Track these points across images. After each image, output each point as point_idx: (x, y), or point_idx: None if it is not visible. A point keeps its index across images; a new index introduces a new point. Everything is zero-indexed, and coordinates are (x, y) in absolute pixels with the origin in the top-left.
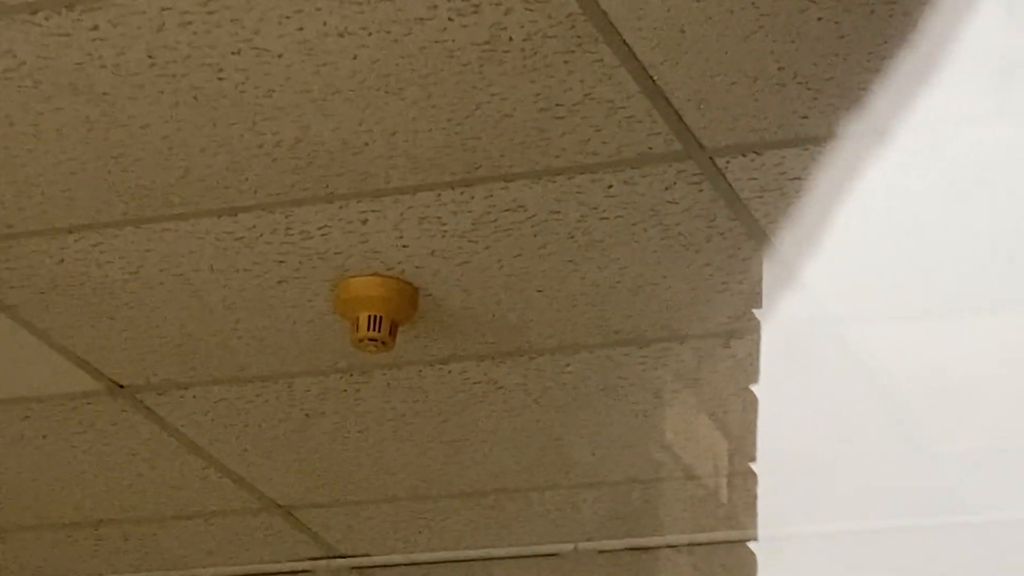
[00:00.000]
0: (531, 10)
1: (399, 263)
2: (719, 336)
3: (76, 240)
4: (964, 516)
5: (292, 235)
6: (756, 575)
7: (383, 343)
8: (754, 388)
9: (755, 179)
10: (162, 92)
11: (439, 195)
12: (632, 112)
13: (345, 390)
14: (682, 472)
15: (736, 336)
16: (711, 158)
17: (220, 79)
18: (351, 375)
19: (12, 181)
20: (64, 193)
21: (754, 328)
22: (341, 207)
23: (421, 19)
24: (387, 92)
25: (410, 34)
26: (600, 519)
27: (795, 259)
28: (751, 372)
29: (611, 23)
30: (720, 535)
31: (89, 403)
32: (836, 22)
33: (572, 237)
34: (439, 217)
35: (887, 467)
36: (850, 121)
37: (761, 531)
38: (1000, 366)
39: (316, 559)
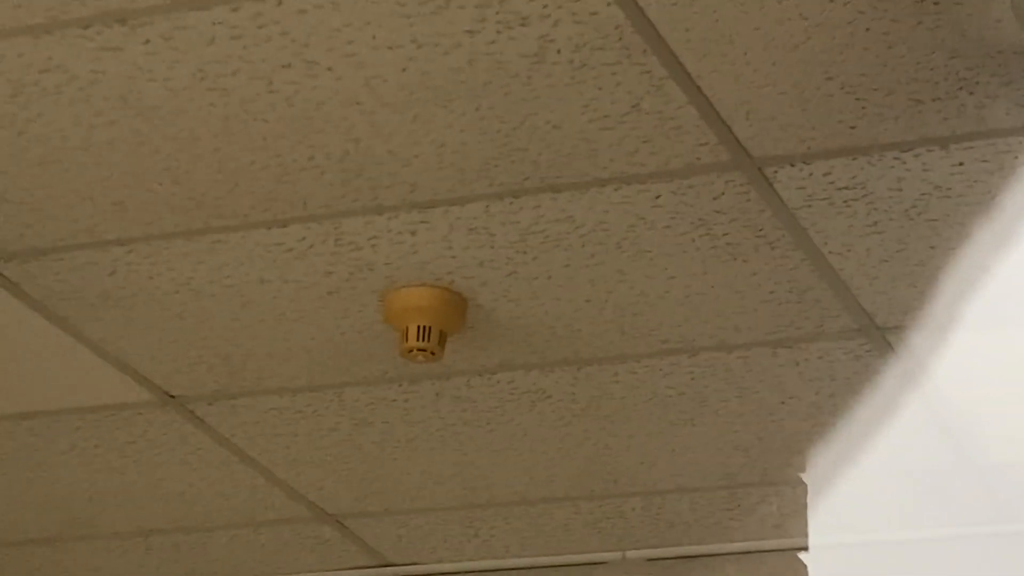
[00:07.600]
0: (579, 22)
1: (448, 273)
2: (767, 345)
3: (127, 252)
4: (1014, 525)
5: (341, 246)
6: None
7: (432, 353)
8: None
9: (803, 188)
10: (212, 105)
11: (487, 206)
12: (680, 123)
13: (394, 400)
14: (731, 481)
15: (784, 345)
16: (759, 168)
17: (270, 92)
18: (400, 385)
19: (64, 194)
20: (115, 206)
21: (802, 337)
22: (390, 218)
23: (470, 32)
24: (436, 104)
25: (459, 46)
26: (648, 527)
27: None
28: (799, 381)
29: (659, 34)
30: (770, 544)
31: (140, 413)
32: (885, 32)
33: (620, 247)
34: (487, 228)
35: (937, 476)
36: (900, 132)
37: (812, 540)
38: None
39: (365, 568)
